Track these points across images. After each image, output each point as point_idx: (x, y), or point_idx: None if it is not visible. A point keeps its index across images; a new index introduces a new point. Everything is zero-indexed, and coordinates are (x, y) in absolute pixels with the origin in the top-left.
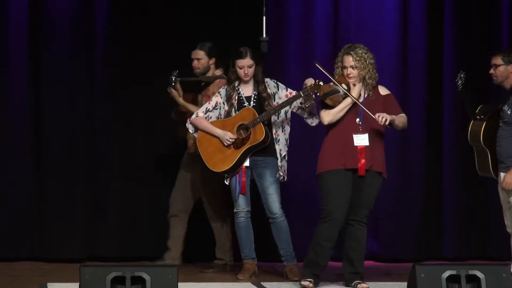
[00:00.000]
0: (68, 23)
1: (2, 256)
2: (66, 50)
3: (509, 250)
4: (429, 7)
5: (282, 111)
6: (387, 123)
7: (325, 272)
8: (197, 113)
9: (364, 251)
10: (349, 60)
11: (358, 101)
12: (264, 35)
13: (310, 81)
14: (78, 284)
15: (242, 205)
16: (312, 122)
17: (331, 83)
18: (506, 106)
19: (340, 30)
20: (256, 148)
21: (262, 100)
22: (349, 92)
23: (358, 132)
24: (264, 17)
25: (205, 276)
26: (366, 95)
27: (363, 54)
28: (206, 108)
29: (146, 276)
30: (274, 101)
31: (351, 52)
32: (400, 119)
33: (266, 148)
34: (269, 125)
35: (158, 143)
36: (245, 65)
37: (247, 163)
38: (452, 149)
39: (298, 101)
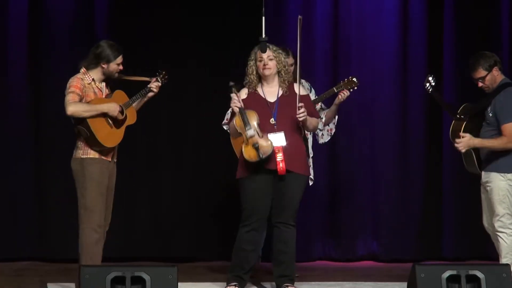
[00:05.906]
0: (68, 24)
1: (2, 256)
2: (66, 50)
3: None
4: (429, 7)
5: None
6: (302, 118)
7: (248, 275)
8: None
9: (294, 253)
10: (267, 52)
11: None
12: (264, 35)
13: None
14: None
15: None
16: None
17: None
18: (489, 108)
19: (340, 29)
20: None
21: None
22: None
23: (273, 132)
24: (263, 17)
25: (205, 276)
26: (281, 93)
27: (278, 49)
28: None
29: (146, 276)
30: None
31: (268, 45)
32: (312, 121)
33: None
34: None
35: (157, 143)
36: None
37: None
38: (452, 149)
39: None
